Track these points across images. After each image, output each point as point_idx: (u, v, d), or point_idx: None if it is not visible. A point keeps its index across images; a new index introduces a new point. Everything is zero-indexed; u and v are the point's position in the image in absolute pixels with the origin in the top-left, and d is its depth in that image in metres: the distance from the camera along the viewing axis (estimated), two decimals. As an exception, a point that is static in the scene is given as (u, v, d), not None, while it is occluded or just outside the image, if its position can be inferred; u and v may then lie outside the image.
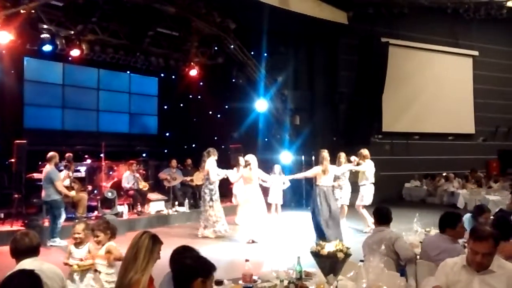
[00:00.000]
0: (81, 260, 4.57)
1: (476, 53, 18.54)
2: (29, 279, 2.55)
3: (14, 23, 9.32)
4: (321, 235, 8.56)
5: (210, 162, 9.46)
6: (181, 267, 2.61)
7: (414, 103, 17.08)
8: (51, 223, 8.87)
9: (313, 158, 9.90)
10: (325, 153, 8.94)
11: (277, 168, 11.38)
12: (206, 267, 2.62)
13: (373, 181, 10.15)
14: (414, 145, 17.29)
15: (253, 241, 8.75)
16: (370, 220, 9.78)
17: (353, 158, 10.23)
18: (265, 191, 10.54)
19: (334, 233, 8.55)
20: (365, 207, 10.05)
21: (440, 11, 16.40)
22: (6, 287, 2.47)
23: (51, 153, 9.00)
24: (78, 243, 4.66)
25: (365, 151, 10.21)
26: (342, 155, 10.14)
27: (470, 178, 15.19)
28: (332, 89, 16.03)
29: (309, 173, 9.19)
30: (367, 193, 10.07)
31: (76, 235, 4.66)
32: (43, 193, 8.86)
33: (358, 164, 10.07)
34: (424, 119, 17.33)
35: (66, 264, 4.57)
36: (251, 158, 9.05)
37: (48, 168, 8.87)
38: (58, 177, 8.86)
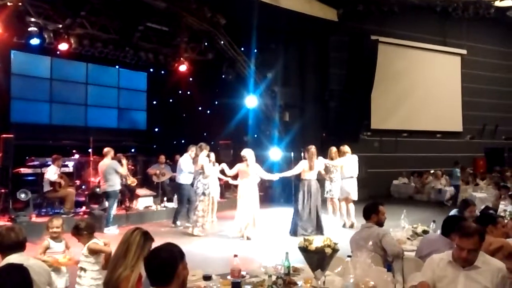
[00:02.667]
0: (64, 253, 4.53)
1: (464, 51, 18.71)
2: (18, 273, 2.53)
3: (1, 15, 9.22)
4: (295, 230, 9.03)
5: (203, 156, 9.43)
6: (159, 263, 2.60)
7: (403, 100, 17.19)
8: (104, 212, 9.70)
9: (302, 154, 9.93)
10: (313, 149, 9.16)
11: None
12: (178, 250, 2.63)
13: (352, 176, 10.14)
14: (402, 142, 17.41)
15: (247, 238, 8.72)
16: (346, 216, 10.01)
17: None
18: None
19: (312, 225, 9.02)
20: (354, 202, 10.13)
21: (429, 10, 16.55)
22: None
23: (107, 148, 9.85)
24: (56, 238, 4.58)
25: (344, 148, 10.25)
26: (333, 149, 10.28)
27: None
28: (322, 86, 16.08)
29: (297, 170, 9.36)
30: (345, 187, 10.16)
31: (55, 229, 4.56)
32: (103, 184, 9.65)
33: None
34: (413, 117, 17.46)
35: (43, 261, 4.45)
36: (248, 152, 8.99)
37: (107, 161, 9.67)
38: (119, 167, 9.65)
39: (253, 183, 9.04)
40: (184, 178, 10.00)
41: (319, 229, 9.00)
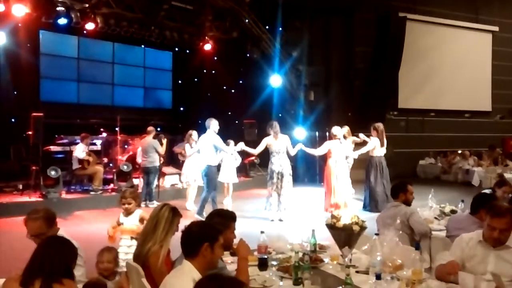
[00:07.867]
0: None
1: (496, 28, 18.09)
2: (65, 243, 2.63)
3: (29, -4, 9.34)
4: (370, 205, 9.53)
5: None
6: (188, 234, 2.72)
7: (430, 79, 16.82)
8: (146, 188, 10.09)
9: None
10: (382, 127, 9.70)
11: (230, 144, 10.21)
12: (211, 232, 2.75)
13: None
14: (429, 122, 17.11)
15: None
16: None
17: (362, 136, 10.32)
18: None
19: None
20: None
21: (460, -15, 16.03)
22: (45, 251, 2.53)
23: (150, 127, 10.40)
24: (128, 212, 4.48)
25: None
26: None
27: (484, 157, 15.00)
28: (348, 65, 15.83)
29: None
30: None
31: (127, 206, 4.47)
32: (144, 161, 10.13)
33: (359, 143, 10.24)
34: (441, 96, 17.08)
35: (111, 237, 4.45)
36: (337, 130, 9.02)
37: (149, 139, 10.18)
38: (159, 146, 10.17)
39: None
40: None
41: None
